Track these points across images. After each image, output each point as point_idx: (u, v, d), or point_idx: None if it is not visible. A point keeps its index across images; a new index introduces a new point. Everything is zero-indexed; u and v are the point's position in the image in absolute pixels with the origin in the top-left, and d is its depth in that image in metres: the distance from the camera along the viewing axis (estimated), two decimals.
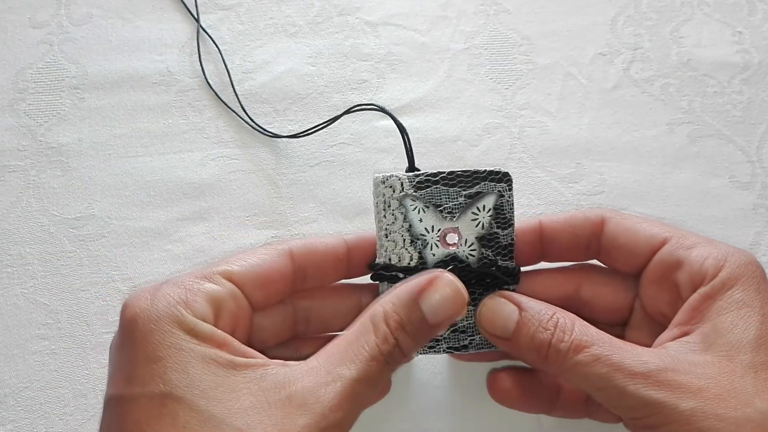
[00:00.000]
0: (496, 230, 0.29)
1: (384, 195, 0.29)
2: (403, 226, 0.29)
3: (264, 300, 0.28)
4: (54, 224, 0.39)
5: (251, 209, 0.39)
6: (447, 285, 0.26)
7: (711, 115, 0.42)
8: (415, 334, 0.25)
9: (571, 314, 0.28)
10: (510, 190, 0.29)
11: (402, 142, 0.31)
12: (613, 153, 0.41)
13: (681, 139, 0.41)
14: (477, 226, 0.29)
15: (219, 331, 0.25)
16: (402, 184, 0.29)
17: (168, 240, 0.39)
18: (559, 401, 0.31)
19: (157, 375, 0.23)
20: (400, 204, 0.29)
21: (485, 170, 0.29)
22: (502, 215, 0.29)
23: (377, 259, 0.30)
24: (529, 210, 0.39)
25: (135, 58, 0.44)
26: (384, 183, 0.29)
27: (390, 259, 0.29)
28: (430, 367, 0.35)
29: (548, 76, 0.43)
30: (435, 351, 0.29)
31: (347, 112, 0.35)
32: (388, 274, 0.29)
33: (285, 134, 0.41)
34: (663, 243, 0.29)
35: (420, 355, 0.29)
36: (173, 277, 0.26)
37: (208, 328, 0.25)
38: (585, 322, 0.27)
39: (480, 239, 0.29)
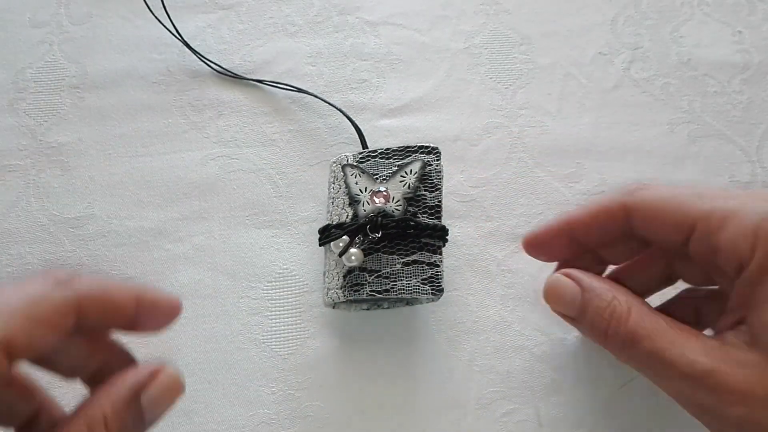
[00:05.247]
0: (423, 192, 0.33)
1: (334, 171, 0.35)
2: (344, 192, 0.34)
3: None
4: (54, 224, 0.39)
5: (251, 209, 0.39)
6: (167, 377, 0.24)
7: (711, 115, 0.42)
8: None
9: (630, 298, 0.28)
10: (438, 160, 0.34)
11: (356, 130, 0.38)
12: (613, 153, 0.41)
13: (681, 138, 0.41)
14: (404, 186, 0.33)
15: None
16: (347, 159, 0.35)
17: (168, 240, 0.39)
18: None
19: None
20: (343, 173, 0.34)
21: (417, 145, 0.34)
22: (430, 180, 0.33)
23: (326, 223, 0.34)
24: (529, 210, 0.39)
25: (135, 57, 0.44)
26: (335, 162, 0.35)
27: (333, 221, 0.34)
28: (434, 376, 0.35)
29: (548, 76, 0.43)
30: (359, 294, 0.31)
31: (302, 91, 0.36)
32: (327, 233, 0.33)
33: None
34: (691, 230, 0.27)
35: (354, 311, 0.33)
36: None
37: None
38: (643, 308, 0.27)
39: (407, 199, 0.33)
